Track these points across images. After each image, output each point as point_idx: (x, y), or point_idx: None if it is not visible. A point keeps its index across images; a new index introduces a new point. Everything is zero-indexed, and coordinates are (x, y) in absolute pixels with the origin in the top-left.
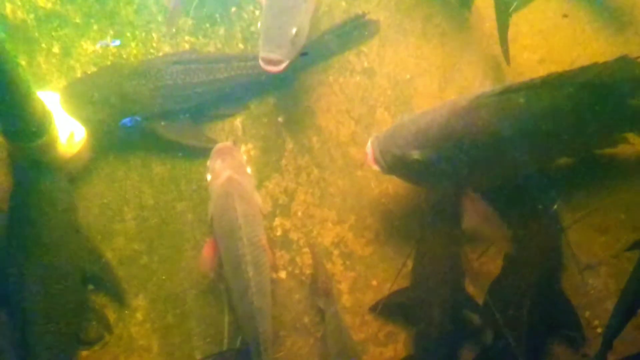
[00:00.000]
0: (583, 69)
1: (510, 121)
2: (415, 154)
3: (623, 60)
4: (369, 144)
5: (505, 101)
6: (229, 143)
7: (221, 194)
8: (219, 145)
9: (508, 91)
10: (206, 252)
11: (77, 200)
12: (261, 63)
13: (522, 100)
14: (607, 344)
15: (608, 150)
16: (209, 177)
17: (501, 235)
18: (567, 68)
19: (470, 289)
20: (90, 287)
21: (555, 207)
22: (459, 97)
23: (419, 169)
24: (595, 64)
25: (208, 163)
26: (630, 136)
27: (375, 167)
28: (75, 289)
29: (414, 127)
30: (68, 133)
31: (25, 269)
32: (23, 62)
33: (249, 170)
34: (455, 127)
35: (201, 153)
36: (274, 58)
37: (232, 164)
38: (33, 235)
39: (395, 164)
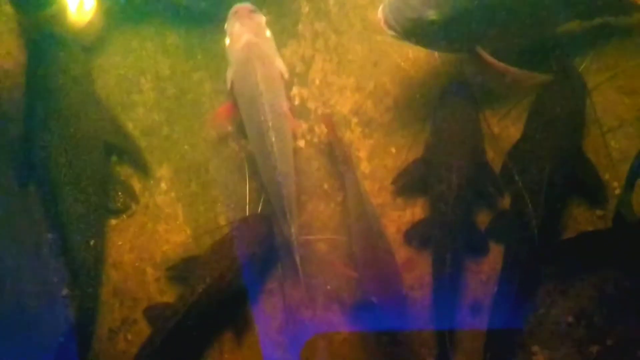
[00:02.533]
0: None
1: None
2: (432, 15)
3: None
4: (381, 8)
5: None
6: (247, 4)
7: (241, 59)
8: (236, 7)
9: None
10: (221, 110)
11: (93, 72)
12: None
13: None
14: (629, 186)
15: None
16: (227, 41)
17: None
18: None
19: (490, 153)
20: (114, 158)
21: (580, 67)
22: None
23: (435, 32)
24: None
25: (226, 27)
26: None
27: (391, 33)
28: (100, 160)
29: None
30: (77, 1)
31: (48, 141)
32: None
33: (268, 33)
34: None
35: (215, 19)
36: None
37: (251, 27)
38: (52, 107)
39: (411, 28)
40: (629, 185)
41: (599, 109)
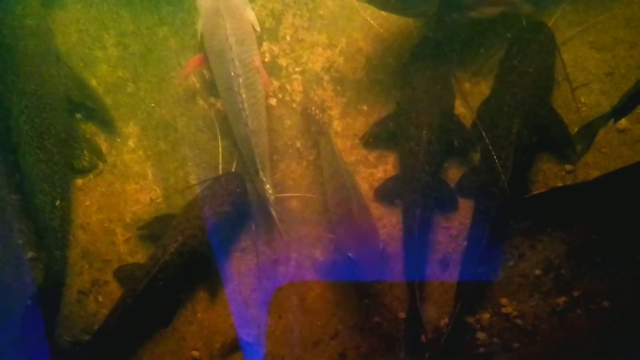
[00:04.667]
0: None
1: None
2: None
3: None
4: None
5: None
6: None
7: (210, 11)
8: None
9: None
10: (192, 62)
11: (53, 27)
12: None
13: None
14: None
15: None
16: None
17: None
18: None
19: (461, 110)
20: (78, 116)
21: (550, 22)
22: None
23: None
24: None
25: None
26: None
27: None
28: (63, 118)
29: None
30: None
31: (8, 98)
32: None
33: None
34: None
35: None
36: None
37: None
38: (10, 63)
39: None
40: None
41: (570, 64)
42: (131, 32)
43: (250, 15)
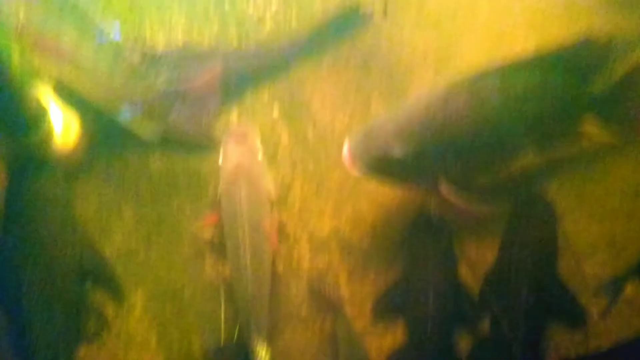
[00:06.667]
0: (549, 53)
1: (484, 107)
2: (397, 152)
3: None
4: (345, 145)
5: (480, 86)
6: (244, 127)
7: (229, 180)
8: (234, 129)
9: (482, 76)
10: (209, 219)
11: (74, 197)
12: None
13: (496, 84)
14: None
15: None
16: (220, 160)
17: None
18: None
19: (467, 278)
20: (88, 284)
21: (548, 194)
22: (437, 86)
23: (401, 168)
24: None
25: (222, 145)
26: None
27: (354, 170)
28: (73, 286)
29: (393, 122)
30: (63, 127)
31: (23, 267)
32: (15, 55)
33: (260, 155)
34: (435, 117)
35: (199, 148)
36: None
37: (244, 149)
38: (30, 232)
39: (376, 165)
40: None
41: (570, 235)
42: (148, 203)
43: (267, 184)
